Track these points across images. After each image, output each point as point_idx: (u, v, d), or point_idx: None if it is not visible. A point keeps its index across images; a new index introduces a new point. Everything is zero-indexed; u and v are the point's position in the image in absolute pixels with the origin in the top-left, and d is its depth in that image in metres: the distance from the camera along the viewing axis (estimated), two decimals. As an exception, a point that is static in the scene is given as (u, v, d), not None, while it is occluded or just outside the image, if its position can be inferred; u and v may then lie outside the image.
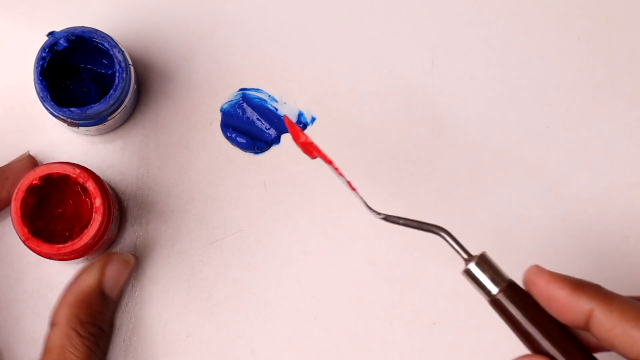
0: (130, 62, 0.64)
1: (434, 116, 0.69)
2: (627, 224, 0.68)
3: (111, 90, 0.63)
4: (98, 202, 0.61)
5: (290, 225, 0.68)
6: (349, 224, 0.68)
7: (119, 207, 0.66)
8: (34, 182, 0.61)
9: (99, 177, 0.63)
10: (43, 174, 0.61)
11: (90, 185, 0.61)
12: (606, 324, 0.54)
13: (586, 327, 0.54)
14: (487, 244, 0.67)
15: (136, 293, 0.67)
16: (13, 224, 0.61)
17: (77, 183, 0.61)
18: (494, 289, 0.55)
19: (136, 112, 0.68)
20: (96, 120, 0.64)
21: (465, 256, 0.56)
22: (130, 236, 0.67)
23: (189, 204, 0.68)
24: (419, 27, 0.69)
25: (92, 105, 0.62)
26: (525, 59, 0.69)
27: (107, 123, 0.65)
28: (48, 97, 0.62)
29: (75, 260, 0.63)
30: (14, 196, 0.61)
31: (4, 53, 0.68)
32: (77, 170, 0.61)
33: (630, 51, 0.69)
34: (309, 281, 0.67)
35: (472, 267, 0.55)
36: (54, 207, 0.63)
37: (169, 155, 0.68)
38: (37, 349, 0.66)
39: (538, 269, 0.56)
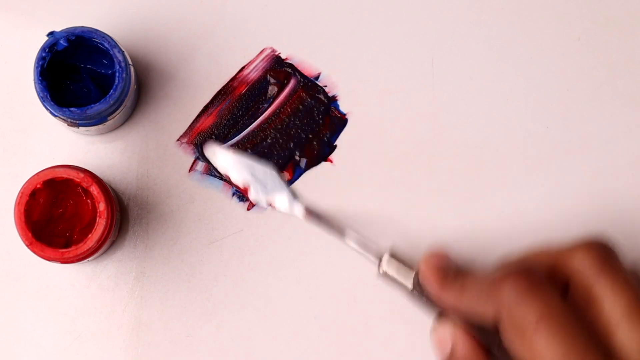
0: (130, 62, 0.64)
1: (434, 116, 0.69)
2: (627, 224, 0.68)
3: (111, 90, 0.62)
4: (102, 206, 0.61)
5: (290, 225, 0.68)
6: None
7: (119, 207, 0.66)
8: (38, 186, 0.61)
9: (102, 180, 0.63)
10: (47, 178, 0.61)
11: (95, 189, 0.61)
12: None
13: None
14: (486, 244, 0.68)
15: (136, 293, 0.67)
16: (16, 228, 0.61)
17: (79, 184, 0.61)
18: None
19: (136, 112, 0.68)
20: (96, 120, 0.64)
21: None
22: (130, 236, 0.67)
23: (189, 204, 0.68)
24: (419, 27, 0.69)
25: (92, 105, 0.62)
26: (525, 59, 0.69)
27: (107, 123, 0.65)
28: (48, 97, 0.62)
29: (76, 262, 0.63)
30: (17, 200, 0.61)
31: (4, 53, 0.68)
32: (81, 175, 0.61)
33: (630, 51, 0.69)
34: (309, 281, 0.67)
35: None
36: (54, 208, 0.63)
37: (169, 155, 0.68)
38: (37, 349, 0.66)
39: (427, 260, 0.61)
